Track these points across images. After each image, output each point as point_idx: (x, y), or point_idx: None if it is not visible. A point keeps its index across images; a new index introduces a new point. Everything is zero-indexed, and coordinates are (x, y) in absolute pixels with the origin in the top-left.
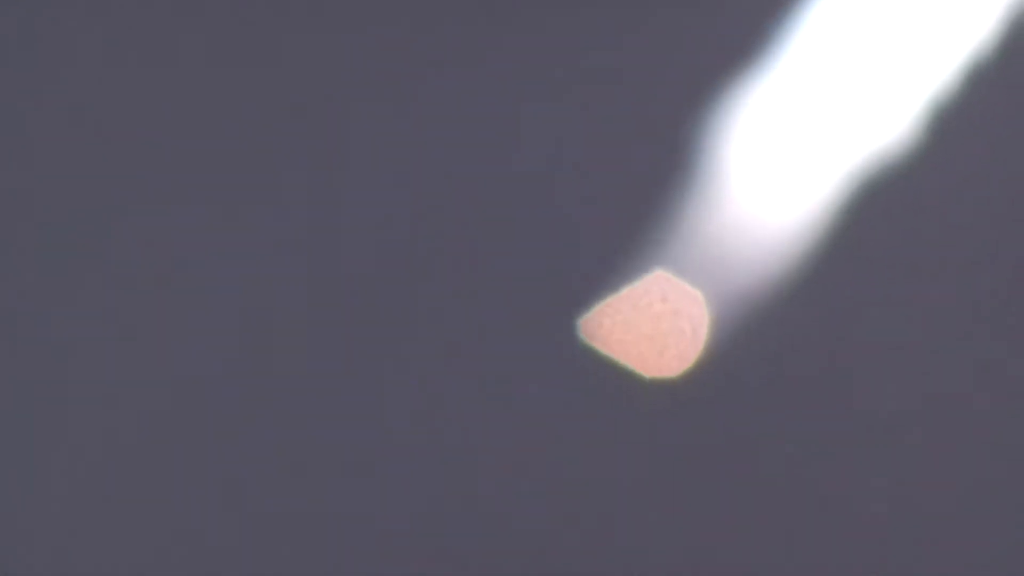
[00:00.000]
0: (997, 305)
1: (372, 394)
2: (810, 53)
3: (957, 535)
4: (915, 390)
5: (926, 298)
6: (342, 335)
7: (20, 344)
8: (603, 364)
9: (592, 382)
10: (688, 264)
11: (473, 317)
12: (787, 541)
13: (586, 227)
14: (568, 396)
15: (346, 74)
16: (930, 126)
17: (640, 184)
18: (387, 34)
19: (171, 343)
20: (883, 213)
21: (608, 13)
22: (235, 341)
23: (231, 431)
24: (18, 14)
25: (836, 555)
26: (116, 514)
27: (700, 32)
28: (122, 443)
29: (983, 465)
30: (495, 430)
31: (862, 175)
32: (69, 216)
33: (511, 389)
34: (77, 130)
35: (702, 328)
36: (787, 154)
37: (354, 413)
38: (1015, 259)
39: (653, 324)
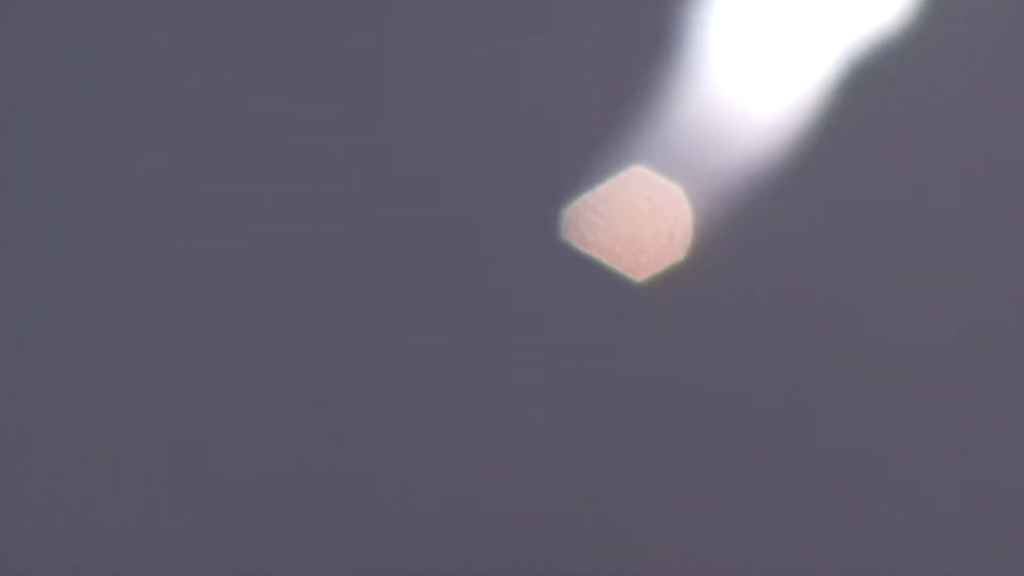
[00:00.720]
0: (994, 192)
1: (355, 303)
2: None
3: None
4: (907, 285)
5: (920, 190)
6: (334, 246)
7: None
8: (584, 263)
9: (573, 281)
10: (670, 158)
11: (450, 212)
12: (771, 443)
13: (565, 121)
14: (549, 294)
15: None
16: (922, 6)
17: (621, 74)
18: None
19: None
20: (875, 100)
21: None
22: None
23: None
24: None
25: (812, 461)
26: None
27: None
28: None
29: (985, 366)
30: (479, 332)
31: (852, 61)
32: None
33: (492, 286)
34: (83, 78)
35: (684, 227)
36: (773, 42)
37: (342, 321)
38: (1013, 141)
39: (633, 222)
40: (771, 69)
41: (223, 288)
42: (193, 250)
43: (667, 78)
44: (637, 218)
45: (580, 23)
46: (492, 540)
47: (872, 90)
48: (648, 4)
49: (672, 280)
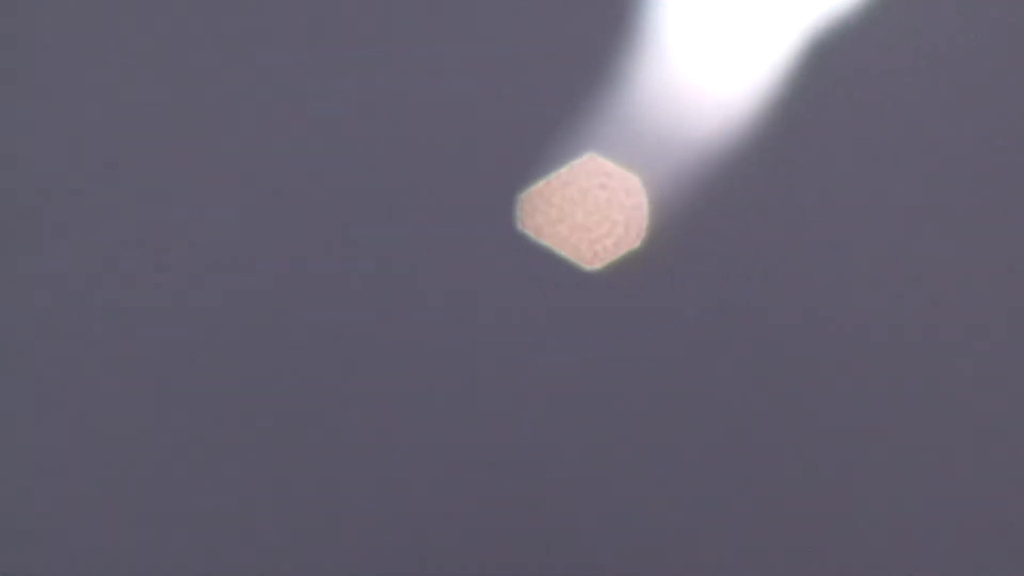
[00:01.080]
0: (958, 173)
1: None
2: None
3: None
4: (868, 269)
5: (881, 176)
6: (286, 237)
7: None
8: (540, 251)
9: (528, 269)
10: (625, 146)
11: (404, 200)
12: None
13: (520, 109)
14: (504, 283)
15: None
16: None
17: (577, 59)
18: None
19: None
20: (834, 85)
21: None
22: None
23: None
24: None
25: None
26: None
27: None
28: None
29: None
30: (435, 324)
31: (809, 47)
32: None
33: (447, 275)
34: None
35: (639, 215)
36: (729, 28)
37: (295, 304)
38: (971, 117)
39: (587, 211)
40: (727, 56)
41: (200, 284)
42: (178, 251)
43: (622, 66)
44: (592, 206)
45: (535, 11)
46: (461, 533)
47: (829, 76)
48: None
49: (628, 269)
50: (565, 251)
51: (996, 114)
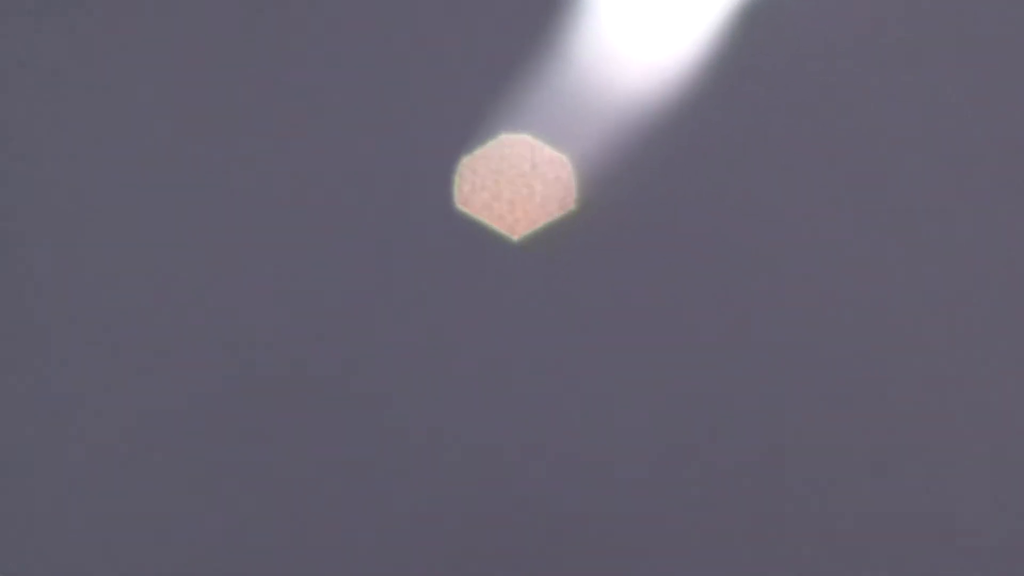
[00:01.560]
0: (884, 142)
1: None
2: None
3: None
4: (790, 239)
5: (812, 143)
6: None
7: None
8: (471, 225)
9: (459, 243)
10: (551, 122)
11: (336, 178)
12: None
13: (445, 86)
14: (436, 254)
15: None
16: None
17: (501, 37)
18: None
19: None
20: (759, 57)
21: None
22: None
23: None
24: None
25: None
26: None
27: None
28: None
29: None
30: (370, 305)
31: (735, 20)
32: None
33: (383, 253)
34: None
35: (564, 188)
36: (654, 5)
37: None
38: (909, 86)
39: (514, 186)
40: (656, 29)
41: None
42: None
43: (550, 41)
44: (519, 180)
45: None
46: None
47: (753, 47)
48: None
49: (552, 239)
50: (494, 224)
51: (936, 84)
